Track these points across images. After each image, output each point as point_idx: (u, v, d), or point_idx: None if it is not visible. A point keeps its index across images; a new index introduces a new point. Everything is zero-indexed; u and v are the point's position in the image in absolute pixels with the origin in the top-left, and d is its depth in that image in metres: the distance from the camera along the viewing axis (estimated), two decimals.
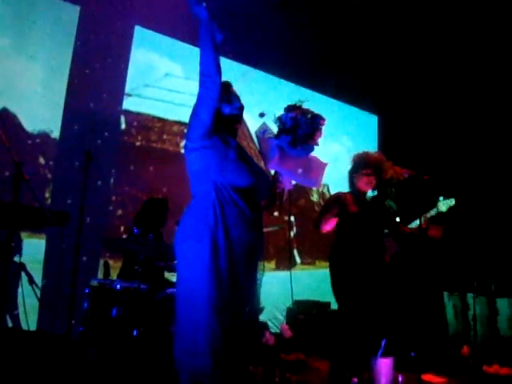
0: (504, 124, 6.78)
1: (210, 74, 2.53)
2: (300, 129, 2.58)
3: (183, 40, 6.06)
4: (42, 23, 5.13)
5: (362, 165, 3.90)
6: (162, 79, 5.93)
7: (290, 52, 6.89)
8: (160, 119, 5.86)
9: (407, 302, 5.52)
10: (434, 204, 4.22)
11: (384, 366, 3.41)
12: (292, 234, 5.95)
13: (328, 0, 6.54)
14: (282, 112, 2.66)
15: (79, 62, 5.34)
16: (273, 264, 6.44)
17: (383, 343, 3.43)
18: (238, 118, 2.69)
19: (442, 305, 6.00)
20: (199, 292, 2.37)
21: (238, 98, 2.71)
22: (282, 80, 6.98)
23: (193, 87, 6.48)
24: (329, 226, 3.80)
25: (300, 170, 2.68)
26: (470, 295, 5.69)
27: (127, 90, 5.69)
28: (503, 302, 5.71)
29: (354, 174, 3.96)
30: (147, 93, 5.82)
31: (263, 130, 2.72)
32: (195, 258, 2.42)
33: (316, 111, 2.68)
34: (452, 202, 4.19)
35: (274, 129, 2.70)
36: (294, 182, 2.81)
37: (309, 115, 2.62)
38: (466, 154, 6.96)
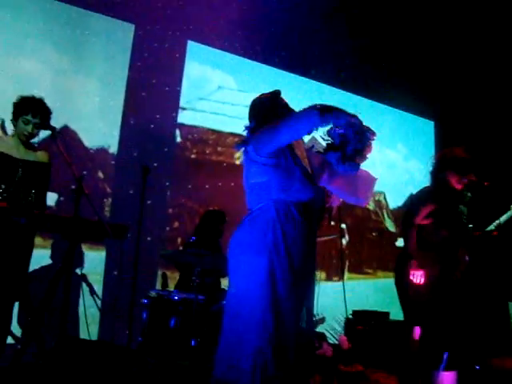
0: None
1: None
2: (349, 145, 2.49)
3: (234, 52, 6.14)
4: (99, 41, 5.31)
5: (462, 163, 3.78)
6: (216, 92, 6.01)
7: (343, 60, 6.85)
8: (214, 131, 5.94)
9: (471, 312, 5.34)
10: (508, 209, 4.10)
11: (447, 380, 3.30)
12: (345, 243, 5.88)
13: (380, 5, 6.47)
14: (331, 126, 2.61)
15: (135, 77, 5.49)
16: (323, 274, 6.37)
17: (445, 356, 3.32)
18: None
19: (507, 315, 5.78)
20: (251, 308, 2.36)
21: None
22: (335, 89, 6.94)
23: (245, 98, 6.54)
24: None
25: (347, 188, 2.62)
26: None
27: (182, 103, 5.79)
28: None
29: (448, 171, 3.81)
30: (201, 106, 5.91)
31: (311, 144, 2.67)
32: (250, 273, 2.40)
33: (367, 125, 2.55)
34: None
35: (324, 142, 2.63)
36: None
37: (359, 130, 2.51)
38: None
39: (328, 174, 2.57)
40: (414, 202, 3.86)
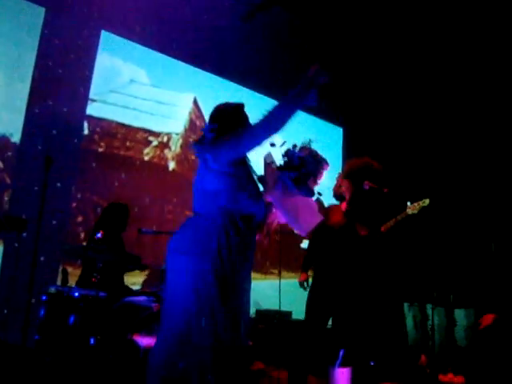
0: (469, 126, 6.99)
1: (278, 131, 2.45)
2: (305, 169, 2.57)
3: (150, 46, 6.05)
4: (6, 24, 5.06)
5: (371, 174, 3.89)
6: (128, 85, 5.89)
7: (255, 61, 6.92)
8: (124, 126, 5.81)
9: (368, 311, 5.57)
10: (404, 209, 4.36)
11: (342, 375, 3.43)
12: None
13: (293, 11, 6.63)
14: (291, 147, 2.65)
15: (43, 65, 5.28)
16: None
17: (341, 353, 3.45)
18: None
19: (402, 315, 6.08)
20: (185, 309, 2.37)
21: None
22: (247, 89, 6.99)
23: (157, 94, 6.45)
24: None
25: (293, 212, 2.67)
26: (429, 306, 5.79)
27: (91, 95, 5.63)
28: (460, 313, 5.83)
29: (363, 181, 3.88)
30: (112, 99, 5.77)
31: (269, 160, 2.69)
32: (191, 274, 2.41)
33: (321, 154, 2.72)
34: (425, 202, 4.32)
35: (281, 161, 2.68)
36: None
37: (315, 157, 2.63)
38: (430, 162, 7.12)
39: (280, 192, 2.61)
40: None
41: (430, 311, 5.71)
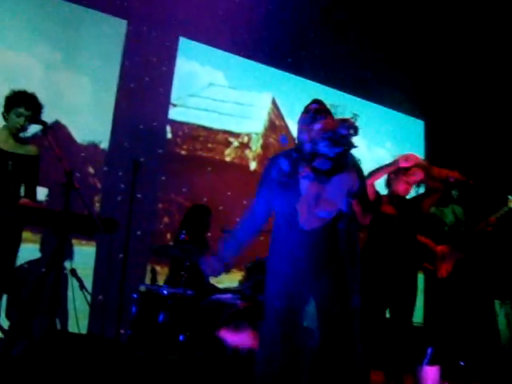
0: None
1: None
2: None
3: (226, 49, 6.17)
4: (91, 37, 5.31)
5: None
6: (207, 89, 6.04)
7: (333, 58, 6.88)
8: (205, 128, 5.96)
9: (457, 310, 5.41)
10: (505, 203, 4.20)
11: (430, 374, 3.35)
12: None
13: (369, 5, 6.53)
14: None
15: (126, 74, 5.51)
16: None
17: (429, 351, 3.38)
18: None
19: (493, 314, 5.84)
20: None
21: None
22: (325, 86, 6.96)
23: (236, 96, 6.55)
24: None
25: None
26: None
27: (172, 99, 5.82)
28: None
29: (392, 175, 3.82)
30: (192, 102, 5.94)
31: None
32: None
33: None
34: None
35: None
36: None
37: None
38: None
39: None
40: None
41: None
